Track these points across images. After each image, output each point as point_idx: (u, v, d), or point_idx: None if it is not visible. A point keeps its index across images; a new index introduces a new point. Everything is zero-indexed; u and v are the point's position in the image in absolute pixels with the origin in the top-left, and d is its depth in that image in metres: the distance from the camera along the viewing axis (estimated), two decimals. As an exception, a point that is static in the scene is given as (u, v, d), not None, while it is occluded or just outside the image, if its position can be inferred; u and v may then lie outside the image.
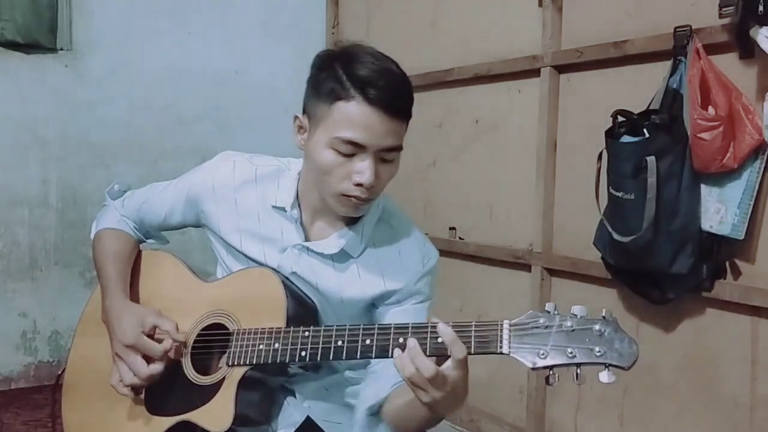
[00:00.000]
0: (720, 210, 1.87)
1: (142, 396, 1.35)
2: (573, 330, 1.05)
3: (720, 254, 1.92)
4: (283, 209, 1.35)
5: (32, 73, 3.01)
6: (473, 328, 1.09)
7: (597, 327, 1.04)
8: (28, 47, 2.97)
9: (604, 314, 1.06)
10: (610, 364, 1.03)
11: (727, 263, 1.93)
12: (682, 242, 1.90)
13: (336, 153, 1.22)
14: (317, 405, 1.36)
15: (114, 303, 1.39)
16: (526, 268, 2.51)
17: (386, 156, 1.24)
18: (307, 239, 1.35)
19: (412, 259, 1.36)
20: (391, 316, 1.34)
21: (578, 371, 1.04)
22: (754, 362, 1.90)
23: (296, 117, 1.31)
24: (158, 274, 1.48)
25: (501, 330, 1.07)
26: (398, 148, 1.24)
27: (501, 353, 1.07)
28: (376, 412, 1.28)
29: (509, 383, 2.58)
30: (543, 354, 1.04)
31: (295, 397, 1.37)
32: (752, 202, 1.82)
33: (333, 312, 1.37)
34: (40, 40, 2.97)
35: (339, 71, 1.21)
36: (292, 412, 1.35)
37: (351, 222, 1.35)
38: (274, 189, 1.37)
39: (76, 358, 1.49)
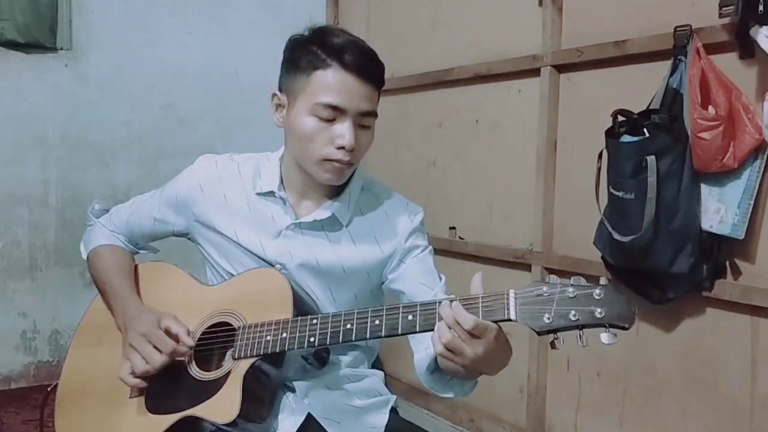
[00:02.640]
0: (720, 210, 1.87)
1: (143, 397, 1.34)
2: (574, 296, 1.09)
3: (720, 254, 1.92)
4: (271, 193, 1.41)
5: (32, 73, 3.01)
6: (480, 299, 1.14)
7: (597, 291, 1.09)
8: (28, 47, 2.96)
9: (601, 281, 1.11)
10: (611, 324, 1.08)
11: (727, 263, 1.93)
12: (682, 242, 1.90)
13: (317, 119, 1.30)
14: (318, 402, 1.37)
15: (133, 305, 1.41)
16: (526, 267, 2.51)
17: (363, 122, 1.32)
18: (296, 219, 1.40)
19: (400, 219, 1.42)
20: (401, 276, 1.39)
21: (581, 333, 1.09)
22: (754, 362, 1.90)
23: (274, 94, 1.38)
24: (160, 284, 1.49)
25: (507, 298, 1.12)
26: (374, 114, 1.33)
27: (508, 320, 1.12)
28: (435, 369, 1.30)
29: (509, 383, 2.57)
30: (548, 318, 1.09)
31: (295, 393, 1.37)
32: (752, 202, 1.82)
33: (341, 291, 1.40)
34: (40, 39, 2.97)
35: (314, 46, 1.30)
36: (293, 409, 1.35)
37: (336, 195, 1.40)
38: (257, 178, 1.43)
39: (71, 368, 1.49)
